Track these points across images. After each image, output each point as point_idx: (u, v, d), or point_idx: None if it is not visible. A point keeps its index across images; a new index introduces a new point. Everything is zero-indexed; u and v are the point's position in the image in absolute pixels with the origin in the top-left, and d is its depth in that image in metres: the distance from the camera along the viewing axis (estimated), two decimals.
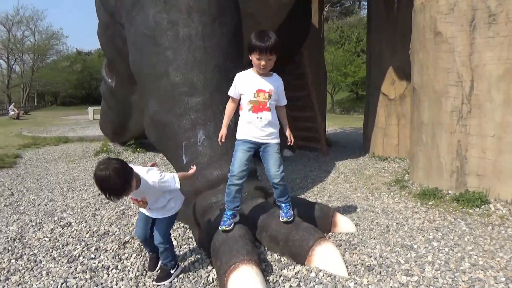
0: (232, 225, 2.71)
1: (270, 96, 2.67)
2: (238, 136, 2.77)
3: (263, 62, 2.56)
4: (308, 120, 7.47)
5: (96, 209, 4.34)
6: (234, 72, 3.48)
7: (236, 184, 2.72)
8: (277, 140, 2.75)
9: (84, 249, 3.16)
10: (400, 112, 6.60)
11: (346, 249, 2.96)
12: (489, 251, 2.92)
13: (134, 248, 3.15)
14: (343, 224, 3.30)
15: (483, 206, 3.79)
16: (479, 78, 3.80)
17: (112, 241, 3.32)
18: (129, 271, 2.74)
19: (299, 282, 2.47)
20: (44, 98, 56.07)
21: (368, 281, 2.47)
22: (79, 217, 4.04)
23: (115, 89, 7.05)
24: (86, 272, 2.73)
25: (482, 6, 3.68)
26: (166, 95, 3.27)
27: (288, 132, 2.89)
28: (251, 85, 2.67)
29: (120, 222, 3.81)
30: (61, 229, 3.70)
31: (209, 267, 2.72)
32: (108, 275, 2.70)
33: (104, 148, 8.70)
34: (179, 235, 3.37)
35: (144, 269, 2.75)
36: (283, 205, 2.89)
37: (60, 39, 51.90)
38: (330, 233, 3.27)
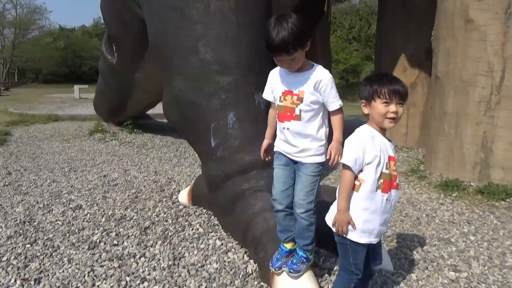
0: (283, 268, 2.12)
1: (301, 99, 1.92)
2: (275, 147, 2.16)
3: (285, 64, 1.91)
4: None
5: (105, 191, 4.12)
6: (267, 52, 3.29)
7: (279, 210, 2.10)
8: (313, 159, 1.97)
9: (103, 234, 2.97)
10: (410, 101, 6.48)
11: (383, 241, 2.85)
12: None
13: (157, 235, 2.97)
14: None
15: (508, 200, 3.74)
16: (511, 69, 3.70)
17: (132, 227, 3.13)
18: (159, 259, 2.57)
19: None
20: (25, 74, 54.22)
21: (417, 277, 2.36)
22: (89, 200, 3.82)
23: (116, 66, 6.72)
24: (113, 260, 2.54)
25: None
26: (195, 72, 3.04)
27: (331, 150, 1.88)
28: (279, 85, 2.02)
29: (135, 206, 3.62)
30: (72, 212, 3.48)
31: (246, 258, 2.58)
32: (137, 263, 2.52)
33: (99, 128, 8.40)
34: (204, 221, 3.21)
35: (175, 258, 2.58)
36: (296, 252, 2.13)
37: (43, 14, 50.07)
38: None
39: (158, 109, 10.42)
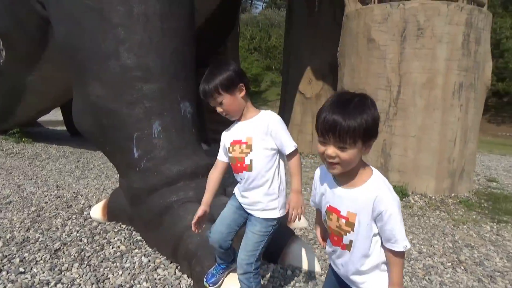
0: (219, 284, 2.11)
1: (250, 147, 1.78)
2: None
3: (218, 109, 1.81)
4: None
5: None
6: (193, 59, 3.22)
7: (216, 248, 2.01)
8: (263, 214, 1.81)
9: (4, 261, 2.56)
10: (315, 111, 6.93)
11: (308, 243, 2.99)
12: (425, 239, 3.27)
13: (72, 257, 2.67)
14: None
15: (404, 199, 4.25)
16: (405, 84, 4.24)
17: (39, 250, 2.76)
18: (80, 284, 2.31)
19: (280, 281, 2.40)
20: None
21: None
22: None
23: (4, 68, 5.92)
24: None
25: (413, 19, 4.11)
26: (115, 79, 2.82)
27: (289, 203, 1.78)
28: (228, 135, 1.89)
29: (39, 226, 3.20)
30: None
31: (178, 273, 2.46)
32: None
33: None
34: (125, 238, 2.98)
35: (98, 281, 2.35)
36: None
37: None
38: None
39: (50, 115, 9.47)
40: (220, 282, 2.12)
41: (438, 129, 4.25)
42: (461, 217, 3.87)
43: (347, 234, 1.30)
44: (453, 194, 4.45)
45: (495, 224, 3.72)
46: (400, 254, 1.27)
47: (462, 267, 2.76)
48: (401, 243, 1.23)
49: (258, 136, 1.78)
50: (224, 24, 6.62)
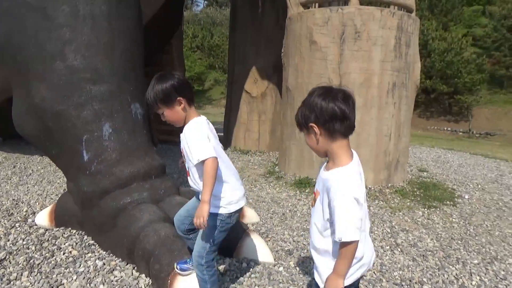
0: (186, 272, 2.18)
1: (184, 156, 2.00)
2: None
3: (162, 117, 1.96)
4: None
5: None
6: (141, 60, 3.22)
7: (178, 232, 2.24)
8: (212, 210, 1.88)
9: None
10: (261, 109, 7.18)
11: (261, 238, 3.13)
12: None
13: (21, 265, 2.58)
14: (249, 214, 3.47)
15: None
16: (345, 84, 4.52)
17: None
18: None
19: (236, 274, 2.51)
20: None
21: (294, 264, 2.71)
22: None
23: None
24: None
25: (350, 23, 4.40)
26: (61, 80, 2.74)
27: (196, 211, 1.83)
28: None
29: None
30: None
31: (135, 273, 2.48)
32: None
33: None
34: (76, 243, 2.92)
35: (52, 287, 2.30)
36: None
37: None
38: None
39: None
40: (187, 272, 2.18)
41: (375, 125, 4.61)
42: (397, 204, 4.25)
43: (313, 206, 1.56)
44: (389, 184, 4.84)
45: (426, 209, 4.13)
46: (342, 246, 1.36)
47: (399, 249, 3.07)
48: (337, 235, 1.34)
49: (184, 146, 1.93)
50: (169, 23, 6.57)
